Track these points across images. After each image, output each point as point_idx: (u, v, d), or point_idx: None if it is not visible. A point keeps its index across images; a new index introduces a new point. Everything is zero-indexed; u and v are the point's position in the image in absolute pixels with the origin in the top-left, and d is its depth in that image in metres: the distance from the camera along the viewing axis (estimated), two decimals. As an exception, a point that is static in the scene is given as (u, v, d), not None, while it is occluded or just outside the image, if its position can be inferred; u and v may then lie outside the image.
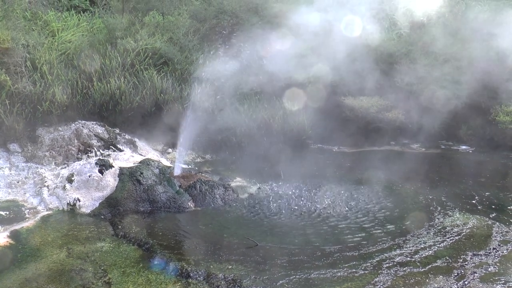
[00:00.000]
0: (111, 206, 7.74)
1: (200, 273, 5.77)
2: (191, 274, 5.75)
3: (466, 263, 6.05)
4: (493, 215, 7.57)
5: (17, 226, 6.96)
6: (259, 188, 8.67)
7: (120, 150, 9.34)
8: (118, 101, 10.02)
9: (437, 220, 7.38)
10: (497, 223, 7.21)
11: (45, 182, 8.23)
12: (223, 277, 5.68)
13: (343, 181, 8.92)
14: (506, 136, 11.01)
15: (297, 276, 5.72)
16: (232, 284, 5.58)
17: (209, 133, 10.22)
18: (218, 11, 12.21)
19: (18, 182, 8.34)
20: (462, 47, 11.60)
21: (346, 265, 5.98)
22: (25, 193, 8.09)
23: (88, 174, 8.16)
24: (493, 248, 6.43)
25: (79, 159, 9.02)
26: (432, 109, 11.14)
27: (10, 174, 8.58)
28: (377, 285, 5.54)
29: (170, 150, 10.19)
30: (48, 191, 8.03)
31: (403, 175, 9.11)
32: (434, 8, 12.46)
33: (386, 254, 6.25)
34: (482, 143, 11.33)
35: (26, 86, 9.42)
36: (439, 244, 6.56)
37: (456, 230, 6.99)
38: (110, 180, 8.08)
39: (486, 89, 11.29)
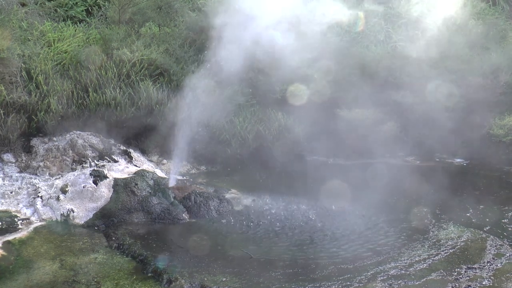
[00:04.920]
0: (105, 217, 7.71)
1: (194, 285, 5.73)
2: (185, 286, 5.72)
3: (461, 276, 6.05)
4: (488, 228, 7.58)
5: (9, 237, 6.91)
6: (254, 200, 8.65)
7: (115, 161, 9.32)
8: (113, 112, 10.01)
9: (431, 233, 7.38)
10: (491, 236, 7.21)
11: (39, 192, 8.19)
12: (217, 289, 5.66)
13: (336, 193, 8.90)
14: (500, 149, 11.06)
15: (291, 289, 5.70)
16: (226, 297, 5.56)
17: (204, 145, 10.22)
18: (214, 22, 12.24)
19: (11, 193, 8.29)
20: (456, 61, 11.69)
21: (341, 278, 5.97)
22: (18, 204, 8.04)
23: (82, 185, 8.13)
24: (488, 262, 6.42)
25: (73, 169, 8.99)
26: (427, 122, 11.19)
27: (4, 184, 8.53)
28: (372, 298, 5.54)
29: (165, 161, 10.17)
30: (42, 201, 7.98)
31: (397, 187, 9.11)
32: (428, 22, 12.57)
33: (380, 267, 6.24)
34: (477, 156, 11.36)
35: (21, 96, 9.39)
36: (434, 257, 6.56)
37: (450, 243, 6.99)
38: (105, 191, 8.06)
39: (480, 102, 11.35)
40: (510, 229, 7.62)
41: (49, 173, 8.95)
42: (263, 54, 10.62)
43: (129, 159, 9.63)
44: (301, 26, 10.91)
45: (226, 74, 9.80)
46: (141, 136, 10.34)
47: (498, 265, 6.36)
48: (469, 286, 5.82)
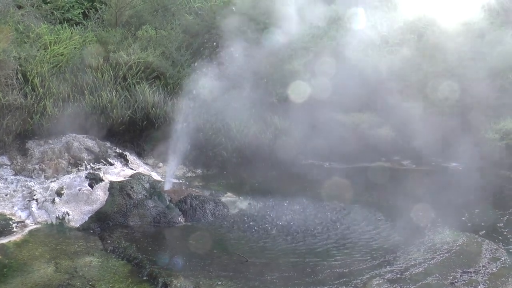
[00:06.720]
0: (101, 220, 7.68)
1: (189, 289, 5.73)
2: (180, 290, 5.71)
3: (456, 280, 6.06)
4: (483, 232, 7.60)
5: (4, 240, 6.87)
6: (250, 203, 8.65)
7: (111, 164, 9.29)
8: (109, 115, 10.00)
9: (427, 237, 7.38)
10: (487, 240, 7.23)
11: (34, 195, 8.15)
12: (212, 293, 5.65)
13: (332, 198, 8.92)
14: (495, 153, 11.09)
15: (287, 293, 5.70)
16: (221, 301, 5.55)
17: (200, 148, 10.21)
18: (211, 26, 12.26)
19: (6, 195, 8.25)
20: (452, 65, 11.73)
21: (336, 281, 5.97)
22: (13, 207, 8.00)
23: (78, 188, 8.10)
24: (483, 266, 6.44)
25: (69, 172, 8.95)
26: (423, 126, 11.21)
27: (-1, 187, 8.50)
28: (367, 302, 5.53)
29: (161, 164, 10.15)
30: (37, 204, 7.95)
31: (392, 191, 9.13)
32: (424, 26, 12.63)
33: (376, 271, 6.24)
34: (472, 160, 11.38)
35: (17, 98, 9.36)
36: (429, 261, 6.56)
37: (446, 247, 6.99)
38: (100, 194, 8.03)
39: (476, 107, 11.39)
40: (505, 233, 7.64)
41: (44, 176, 8.91)
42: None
43: (125, 162, 9.61)
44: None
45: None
46: (137, 139, 10.32)
47: (494, 269, 6.37)
48: (465, 290, 5.84)
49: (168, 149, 9.73)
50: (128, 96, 10.38)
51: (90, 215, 7.76)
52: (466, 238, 7.30)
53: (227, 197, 8.90)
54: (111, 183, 8.26)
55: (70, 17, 12.61)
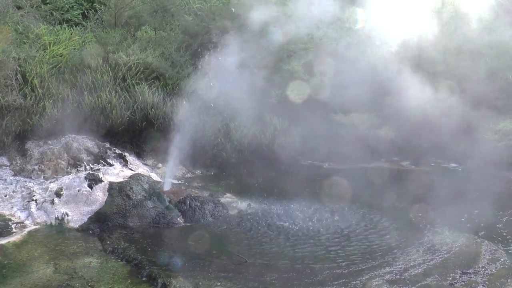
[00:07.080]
0: (100, 221, 7.68)
1: (188, 290, 5.72)
2: (180, 291, 5.70)
3: (456, 281, 6.05)
4: (482, 233, 7.59)
5: (3, 241, 6.86)
6: (249, 204, 8.64)
7: (110, 165, 9.29)
8: (108, 115, 10.00)
9: (426, 237, 7.38)
10: (486, 241, 7.22)
11: (33, 196, 8.15)
12: (212, 294, 5.64)
13: (332, 199, 8.91)
14: (495, 154, 11.08)
15: (286, 294, 5.69)
16: (220, 301, 5.54)
17: (199, 149, 10.20)
18: (210, 26, 12.27)
19: (5, 196, 8.25)
20: (451, 66, 11.73)
21: (336, 282, 5.96)
22: (12, 207, 8.00)
23: (77, 189, 8.10)
24: (482, 267, 6.43)
25: (68, 173, 8.95)
26: (422, 126, 11.22)
27: (-2, 187, 8.49)
28: (367, 303, 5.53)
29: (160, 165, 10.16)
30: (36, 205, 7.94)
31: (392, 192, 9.12)
32: (424, 27, 12.62)
33: (375, 272, 6.24)
34: (472, 161, 11.38)
35: (16, 99, 9.37)
36: (429, 262, 6.55)
37: (445, 248, 6.99)
38: (100, 194, 8.03)
39: (475, 108, 11.39)
40: (504, 234, 7.63)
41: (43, 177, 8.91)
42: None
43: (124, 162, 9.61)
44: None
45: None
46: (137, 139, 10.32)
47: (493, 270, 6.36)
48: (464, 291, 5.83)
49: (168, 150, 9.72)
50: (128, 97, 10.38)
51: (89, 215, 7.76)
52: (466, 239, 7.30)
53: (227, 198, 8.90)
54: (111, 183, 8.25)
55: (69, 18, 12.63)
